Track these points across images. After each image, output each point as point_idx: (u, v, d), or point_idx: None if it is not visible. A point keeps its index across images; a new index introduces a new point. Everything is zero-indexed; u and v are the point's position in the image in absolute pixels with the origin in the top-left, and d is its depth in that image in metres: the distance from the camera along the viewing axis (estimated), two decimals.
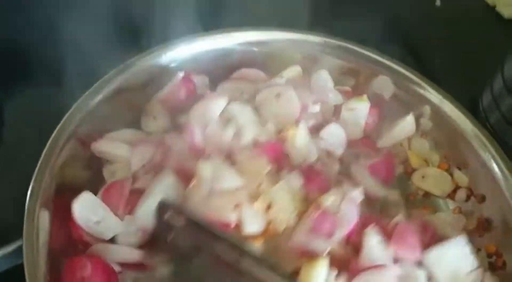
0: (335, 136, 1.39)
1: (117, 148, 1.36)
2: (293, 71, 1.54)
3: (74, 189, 1.29)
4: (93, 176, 1.36)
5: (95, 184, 1.34)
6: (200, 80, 1.52)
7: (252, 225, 1.11)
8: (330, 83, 1.52)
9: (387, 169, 1.41)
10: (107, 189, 1.28)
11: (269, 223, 1.12)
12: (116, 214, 1.23)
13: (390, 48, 1.60)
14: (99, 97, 1.39)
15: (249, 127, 1.31)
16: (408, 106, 1.53)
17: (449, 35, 1.96)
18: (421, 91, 1.51)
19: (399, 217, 1.21)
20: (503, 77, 1.64)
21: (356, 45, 1.56)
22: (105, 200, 1.24)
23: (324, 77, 1.52)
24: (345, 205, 1.14)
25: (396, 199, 1.35)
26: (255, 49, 1.57)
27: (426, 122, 1.51)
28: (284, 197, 1.14)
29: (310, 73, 1.54)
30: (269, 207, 1.13)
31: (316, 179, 1.22)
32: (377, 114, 1.51)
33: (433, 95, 1.49)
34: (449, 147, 1.49)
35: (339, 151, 1.36)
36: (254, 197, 1.13)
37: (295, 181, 1.18)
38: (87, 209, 1.23)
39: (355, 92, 1.56)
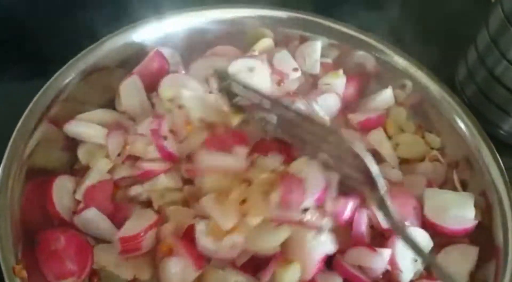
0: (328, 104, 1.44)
1: (90, 129, 1.35)
2: (265, 43, 1.55)
3: (49, 170, 1.32)
4: (69, 156, 1.37)
5: (71, 164, 1.36)
6: (172, 57, 1.52)
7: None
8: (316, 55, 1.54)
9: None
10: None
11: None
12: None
13: (364, 21, 1.60)
14: (71, 77, 1.39)
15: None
16: (385, 79, 1.55)
17: (423, 9, 1.98)
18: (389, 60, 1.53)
19: None
20: (477, 50, 1.65)
21: (324, 19, 1.58)
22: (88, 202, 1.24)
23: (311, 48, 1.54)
24: (311, 171, 1.12)
25: None
26: (227, 26, 1.57)
27: (401, 93, 1.53)
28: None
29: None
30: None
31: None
32: (356, 87, 1.53)
33: (404, 64, 1.52)
34: (422, 115, 1.51)
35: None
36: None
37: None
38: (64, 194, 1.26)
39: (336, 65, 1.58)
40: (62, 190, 1.26)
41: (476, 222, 1.24)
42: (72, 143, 1.37)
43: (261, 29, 1.58)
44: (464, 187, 1.36)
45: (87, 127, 1.35)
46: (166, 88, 1.36)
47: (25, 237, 1.18)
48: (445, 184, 1.39)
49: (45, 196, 1.26)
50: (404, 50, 1.54)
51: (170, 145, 1.26)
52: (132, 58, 1.47)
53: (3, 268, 1.09)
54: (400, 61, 1.52)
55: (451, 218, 1.24)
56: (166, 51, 1.51)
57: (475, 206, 1.26)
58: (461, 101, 1.44)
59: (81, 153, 1.34)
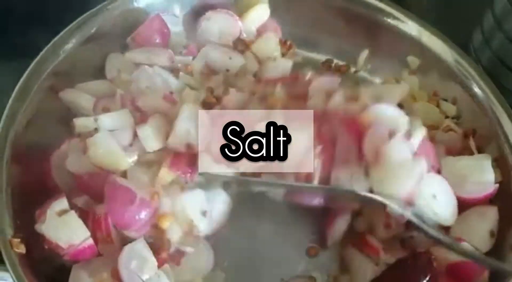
0: None
1: (82, 99, 1.30)
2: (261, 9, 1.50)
3: (48, 143, 1.25)
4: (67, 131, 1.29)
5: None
6: (171, 20, 1.46)
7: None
8: None
9: None
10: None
11: None
12: None
13: None
14: (70, 44, 1.34)
15: None
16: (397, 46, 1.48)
17: None
18: (401, 25, 1.46)
19: None
20: (493, 14, 1.57)
21: None
22: None
23: None
24: None
25: None
26: None
27: (413, 60, 1.46)
28: None
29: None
30: None
31: None
32: None
33: (413, 28, 1.44)
34: (436, 82, 1.44)
35: None
36: None
37: None
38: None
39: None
40: (61, 163, 1.20)
41: (497, 186, 1.20)
42: (68, 116, 1.31)
43: None
44: (481, 152, 1.29)
45: (80, 97, 1.31)
46: None
47: (24, 211, 1.13)
48: (463, 151, 1.32)
49: (43, 170, 1.22)
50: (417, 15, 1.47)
51: None
52: (131, 23, 1.42)
53: None
54: (412, 26, 1.44)
55: (471, 185, 1.19)
56: (167, 18, 1.45)
57: (493, 167, 1.22)
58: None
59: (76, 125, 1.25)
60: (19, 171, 1.18)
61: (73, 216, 1.08)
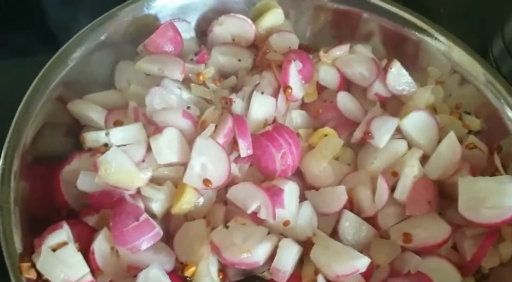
0: None
1: (91, 111, 1.25)
2: (275, 13, 1.45)
3: (56, 156, 1.21)
4: (73, 142, 1.25)
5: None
6: (184, 27, 1.41)
7: None
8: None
9: None
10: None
11: None
12: None
13: None
14: (78, 52, 1.28)
15: None
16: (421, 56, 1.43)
17: None
18: (428, 39, 1.40)
19: None
20: None
21: None
22: None
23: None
24: None
25: None
26: None
27: (434, 70, 1.41)
28: None
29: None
30: None
31: None
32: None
33: (442, 42, 1.38)
34: (459, 95, 1.38)
35: None
36: None
37: None
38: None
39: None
40: (71, 179, 1.15)
41: None
42: (76, 128, 1.27)
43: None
44: (505, 170, 1.24)
45: (89, 108, 1.26)
46: None
47: (34, 231, 1.07)
48: (488, 169, 1.27)
49: (52, 186, 1.17)
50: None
51: None
52: (143, 33, 1.35)
53: (8, 265, 0.99)
54: (437, 37, 1.39)
55: (488, 210, 1.13)
56: (180, 25, 1.39)
57: None
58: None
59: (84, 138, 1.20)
60: (27, 187, 1.13)
61: (70, 250, 1.02)
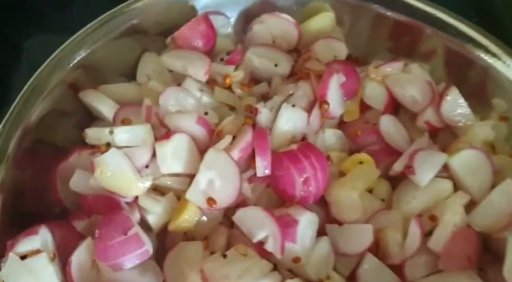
0: None
1: (103, 104, 1.14)
2: (326, 17, 1.30)
3: (60, 148, 1.11)
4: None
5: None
6: (223, 26, 1.28)
7: None
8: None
9: None
10: None
11: None
12: None
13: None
14: (101, 36, 1.18)
15: None
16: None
17: None
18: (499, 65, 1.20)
19: None
20: None
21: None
22: None
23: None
24: None
25: None
26: None
27: (500, 103, 1.21)
28: None
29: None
30: None
31: None
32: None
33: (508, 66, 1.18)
34: None
35: None
36: None
37: None
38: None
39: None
40: (68, 176, 1.04)
41: None
42: (89, 120, 1.17)
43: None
44: None
45: (99, 101, 1.14)
46: None
47: (16, 226, 0.98)
48: None
49: (48, 179, 1.07)
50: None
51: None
52: (176, 23, 1.22)
53: None
54: (510, 64, 1.19)
55: None
56: (217, 19, 1.26)
57: None
58: None
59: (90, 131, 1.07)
60: (19, 175, 1.04)
61: (42, 260, 0.91)
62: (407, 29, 1.31)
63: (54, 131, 1.12)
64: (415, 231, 1.02)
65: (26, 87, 1.08)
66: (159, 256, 1.00)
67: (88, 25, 1.17)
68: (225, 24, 1.30)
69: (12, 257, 0.90)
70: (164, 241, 1.04)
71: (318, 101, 1.13)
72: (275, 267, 1.00)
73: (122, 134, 1.03)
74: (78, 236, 0.99)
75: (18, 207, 1.02)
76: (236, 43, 1.30)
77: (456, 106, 1.15)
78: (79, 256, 0.93)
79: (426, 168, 1.06)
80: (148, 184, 0.99)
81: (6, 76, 1.41)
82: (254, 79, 1.24)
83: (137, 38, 1.23)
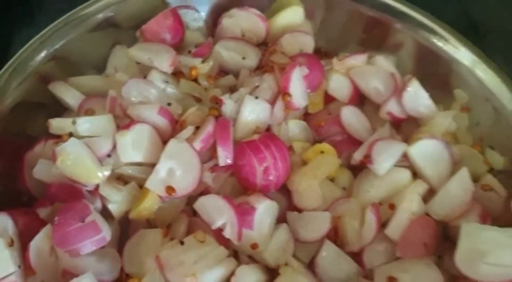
0: None
1: (69, 95, 1.17)
2: (295, 11, 1.31)
3: (30, 138, 1.14)
4: None
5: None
6: (192, 16, 1.31)
7: None
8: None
9: None
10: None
11: None
12: None
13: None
14: (74, 29, 1.21)
15: None
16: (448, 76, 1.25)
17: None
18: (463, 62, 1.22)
19: None
20: None
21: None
22: None
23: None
24: None
25: None
26: None
27: (461, 94, 1.23)
28: None
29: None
30: None
31: None
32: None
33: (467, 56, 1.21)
34: (488, 126, 1.20)
35: None
36: None
37: None
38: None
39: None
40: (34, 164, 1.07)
41: None
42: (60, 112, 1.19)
43: None
44: None
45: (66, 92, 1.17)
46: None
47: None
48: (503, 216, 1.09)
49: (16, 168, 1.10)
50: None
51: None
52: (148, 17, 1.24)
53: None
54: (466, 56, 1.21)
55: (487, 267, 0.94)
56: (188, 13, 1.29)
57: None
58: None
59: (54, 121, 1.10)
60: None
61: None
62: (376, 23, 1.32)
63: (25, 122, 1.15)
64: (371, 219, 1.04)
65: None
66: (123, 243, 1.02)
67: (61, 18, 1.19)
68: (197, 19, 1.32)
69: None
70: (127, 229, 1.07)
71: (281, 93, 1.15)
72: (236, 254, 1.03)
73: (84, 124, 1.05)
74: (41, 223, 1.01)
75: None
76: (207, 37, 1.32)
77: (417, 97, 1.17)
78: (38, 242, 0.96)
79: (385, 157, 1.08)
80: (107, 173, 1.01)
81: None
82: (223, 72, 1.26)
83: (110, 32, 1.25)
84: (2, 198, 1.07)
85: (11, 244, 0.94)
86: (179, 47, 1.24)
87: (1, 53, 1.15)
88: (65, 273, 0.95)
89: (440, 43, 1.24)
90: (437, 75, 1.26)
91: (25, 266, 0.95)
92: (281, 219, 1.07)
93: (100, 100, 1.13)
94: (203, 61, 1.21)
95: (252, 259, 1.04)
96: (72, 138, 1.01)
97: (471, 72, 1.20)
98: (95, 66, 1.26)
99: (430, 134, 1.12)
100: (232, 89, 1.20)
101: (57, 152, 0.99)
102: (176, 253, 0.96)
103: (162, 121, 1.08)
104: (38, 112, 1.18)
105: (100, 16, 1.23)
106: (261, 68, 1.24)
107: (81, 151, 1.00)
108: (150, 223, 1.06)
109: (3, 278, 0.92)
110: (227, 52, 1.24)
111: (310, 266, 1.06)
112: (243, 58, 1.24)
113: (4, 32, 1.36)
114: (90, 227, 0.94)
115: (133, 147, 1.04)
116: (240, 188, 1.10)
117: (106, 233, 0.96)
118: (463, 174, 1.07)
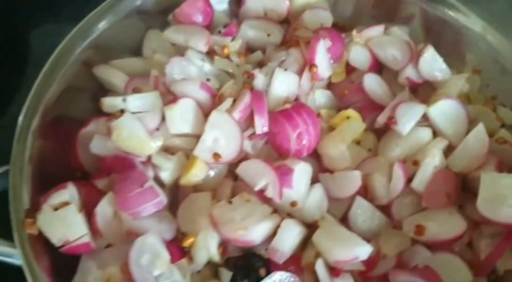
0: None
1: (114, 77, 1.26)
2: None
3: (77, 119, 1.23)
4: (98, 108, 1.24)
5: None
6: (219, 3, 1.40)
7: None
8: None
9: None
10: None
11: None
12: None
13: None
14: (109, 17, 1.30)
15: None
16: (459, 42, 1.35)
17: None
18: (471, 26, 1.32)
19: None
20: None
21: None
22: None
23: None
24: None
25: None
26: None
27: (472, 58, 1.33)
28: None
29: None
30: None
31: None
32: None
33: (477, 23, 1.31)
34: (498, 86, 1.30)
35: None
36: None
37: None
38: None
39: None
40: (87, 142, 1.17)
41: None
42: (102, 93, 1.28)
43: None
44: None
45: (112, 74, 1.27)
46: None
47: (45, 190, 1.09)
48: None
49: (69, 147, 1.19)
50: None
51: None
52: (176, 2, 1.33)
53: (12, 220, 1.02)
54: (476, 22, 1.31)
55: (509, 209, 1.05)
56: None
57: None
58: None
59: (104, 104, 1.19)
60: (44, 146, 1.16)
61: (72, 210, 1.04)
62: None
63: (72, 105, 1.24)
64: (398, 174, 1.14)
65: (44, 69, 1.19)
66: (173, 209, 1.12)
67: (95, 10, 1.28)
68: (221, 1, 1.41)
69: (45, 208, 1.03)
70: (177, 195, 1.17)
71: (307, 65, 1.24)
72: (275, 212, 1.13)
73: (134, 102, 1.15)
74: (99, 193, 1.11)
75: (45, 174, 1.14)
76: (231, 18, 1.41)
77: (433, 62, 1.27)
78: (102, 208, 1.06)
79: (407, 118, 1.18)
80: (159, 143, 1.12)
81: (19, 62, 1.54)
82: (250, 49, 1.35)
83: (141, 18, 1.34)
84: (58, 174, 1.15)
85: (81, 209, 1.05)
86: (209, 28, 1.33)
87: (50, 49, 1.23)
88: (129, 233, 1.05)
89: (451, 12, 1.34)
90: (447, 42, 1.35)
91: (93, 229, 1.06)
92: (313, 181, 1.17)
93: (143, 80, 1.23)
94: (232, 40, 1.31)
95: (290, 217, 1.14)
96: (126, 113, 1.10)
97: (482, 37, 1.30)
98: (130, 51, 1.35)
99: (446, 95, 1.22)
100: (260, 65, 1.30)
101: (113, 127, 1.09)
102: (226, 211, 1.07)
103: (203, 95, 1.17)
104: (83, 96, 1.28)
105: (131, 5, 1.32)
106: (285, 43, 1.34)
107: (135, 125, 1.10)
108: (196, 190, 1.16)
109: (77, 239, 1.02)
110: (252, 31, 1.34)
111: (343, 221, 1.17)
112: (268, 35, 1.34)
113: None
114: (148, 191, 1.05)
115: (180, 119, 1.13)
116: (274, 154, 1.20)
117: (162, 197, 1.07)
118: (480, 129, 1.17)
